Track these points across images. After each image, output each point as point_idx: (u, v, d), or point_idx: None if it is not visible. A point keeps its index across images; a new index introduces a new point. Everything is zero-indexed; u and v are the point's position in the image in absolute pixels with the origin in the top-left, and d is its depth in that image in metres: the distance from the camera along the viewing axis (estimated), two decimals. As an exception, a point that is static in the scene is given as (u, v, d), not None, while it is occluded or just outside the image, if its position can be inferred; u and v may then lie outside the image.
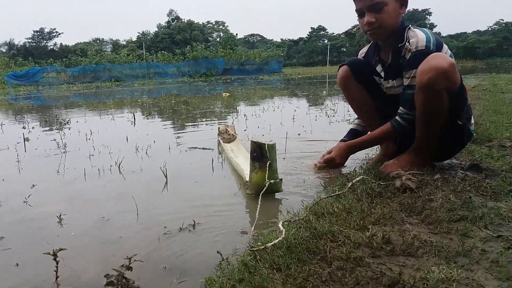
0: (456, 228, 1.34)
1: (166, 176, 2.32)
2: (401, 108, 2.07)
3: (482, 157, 2.31)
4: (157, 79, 27.81)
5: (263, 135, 3.69)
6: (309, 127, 4.08)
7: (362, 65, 2.30)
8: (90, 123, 5.23)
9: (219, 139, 3.40)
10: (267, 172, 1.89)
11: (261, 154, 1.89)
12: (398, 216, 1.46)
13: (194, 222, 1.63)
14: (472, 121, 2.16)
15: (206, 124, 4.66)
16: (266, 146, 1.88)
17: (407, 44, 1.98)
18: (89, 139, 3.89)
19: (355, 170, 2.21)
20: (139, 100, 9.21)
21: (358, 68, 2.29)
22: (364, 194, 1.72)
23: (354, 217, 1.43)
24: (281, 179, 1.97)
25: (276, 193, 1.97)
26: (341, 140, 2.47)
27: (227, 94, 9.74)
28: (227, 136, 3.37)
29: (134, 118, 5.37)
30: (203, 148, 3.20)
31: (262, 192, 1.81)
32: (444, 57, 1.84)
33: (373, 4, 1.97)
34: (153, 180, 2.35)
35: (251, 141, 1.93)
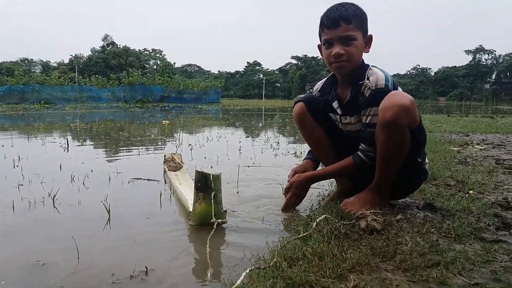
0: (434, 276, 1.28)
1: (108, 212, 2.09)
2: (362, 145, 2.05)
3: (434, 196, 2.34)
4: (90, 103, 26.66)
5: (211, 167, 3.54)
6: (257, 160, 3.99)
7: (317, 102, 2.26)
8: (18, 148, 4.76)
9: (165, 167, 3.26)
10: (213, 206, 1.85)
11: (206, 184, 1.86)
12: (373, 262, 1.38)
13: (147, 269, 1.43)
14: (427, 161, 2.19)
15: (148, 154, 4.41)
16: (211, 176, 1.85)
17: (366, 81, 1.97)
18: (17, 165, 3.50)
19: (314, 208, 2.13)
20: (71, 125, 8.66)
21: (314, 105, 2.25)
22: (330, 235, 1.63)
23: (328, 264, 1.33)
24: (226, 211, 1.95)
25: (228, 228, 1.88)
26: (305, 159, 2.45)
27: (167, 121, 9.47)
28: (174, 165, 3.25)
29: (68, 144, 4.97)
30: (148, 180, 2.98)
31: (210, 234, 1.75)
32: (404, 95, 1.86)
33: (345, 36, 1.95)
34: (94, 216, 2.10)
35: (196, 170, 1.89)
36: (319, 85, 2.34)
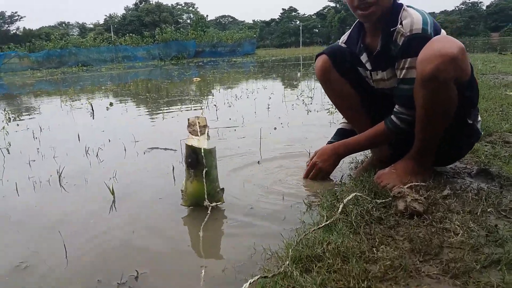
0: (494, 285, 0.97)
1: (112, 193, 1.89)
2: (396, 106, 1.69)
3: (489, 159, 1.97)
4: (126, 62, 26.77)
5: (235, 130, 3.27)
6: (286, 118, 3.67)
7: (344, 54, 1.88)
8: (43, 117, 4.69)
9: (189, 131, 2.96)
10: (205, 185, 1.60)
11: (197, 160, 1.62)
12: (411, 263, 1.09)
13: (137, 273, 1.21)
14: (479, 118, 1.80)
15: (172, 116, 4.19)
16: (202, 151, 1.61)
17: (399, 26, 1.58)
18: (36, 138, 3.38)
19: (343, 182, 1.83)
20: (103, 87, 8.59)
21: (340, 58, 1.88)
22: (360, 222, 1.34)
23: (353, 269, 1.05)
24: (223, 189, 1.72)
25: (242, 209, 1.61)
26: (328, 143, 2.08)
27: (198, 79, 9.21)
28: (198, 129, 2.95)
29: (93, 110, 4.84)
30: (165, 149, 2.76)
31: (204, 221, 1.52)
32: (449, 41, 1.46)
33: None
34: (98, 197, 1.91)
35: (186, 144, 1.66)
36: (345, 36, 1.95)
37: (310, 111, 4.04)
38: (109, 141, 3.09)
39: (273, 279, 1.05)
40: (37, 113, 5.09)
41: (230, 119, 3.76)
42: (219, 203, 1.68)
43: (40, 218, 1.73)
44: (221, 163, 2.28)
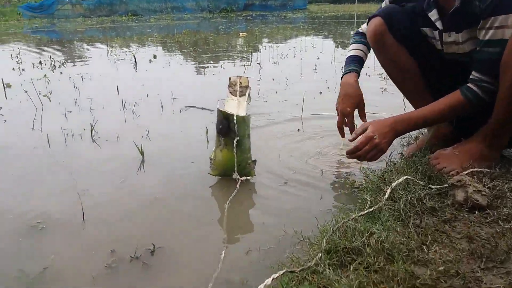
0: None
1: (142, 153, 1.80)
2: (475, 73, 1.40)
3: None
4: (175, 13, 26.59)
5: (276, 92, 3.08)
6: (333, 83, 3.43)
7: (402, 16, 1.60)
8: (87, 66, 4.69)
9: (229, 91, 2.81)
10: (235, 156, 1.47)
11: (228, 127, 1.47)
12: (469, 270, 0.91)
13: (154, 247, 1.11)
14: None
15: (214, 73, 4.04)
16: (234, 118, 1.45)
17: None
18: (77, 88, 3.36)
19: (392, 159, 1.62)
20: (149, 39, 8.53)
21: (398, 20, 1.60)
22: (409, 211, 1.16)
23: (398, 271, 0.89)
24: (255, 161, 1.57)
25: (274, 184, 1.50)
26: (347, 72, 1.76)
27: (245, 34, 8.92)
28: (239, 89, 2.75)
29: (136, 62, 4.78)
30: (202, 108, 2.63)
31: (230, 198, 1.39)
32: None
33: None
34: (127, 156, 1.82)
35: (218, 109, 1.51)
36: None
37: (361, 75, 3.74)
38: (147, 96, 3.01)
39: (301, 274, 0.91)
40: (82, 62, 5.10)
41: (273, 79, 3.56)
42: (249, 176, 1.54)
43: (65, 174, 1.67)
44: (256, 129, 2.14)
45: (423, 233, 1.06)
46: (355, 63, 1.77)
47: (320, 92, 3.03)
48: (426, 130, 1.87)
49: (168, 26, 13.75)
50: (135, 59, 4.86)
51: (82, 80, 3.69)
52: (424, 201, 1.21)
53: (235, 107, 2.53)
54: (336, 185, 1.48)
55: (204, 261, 1.07)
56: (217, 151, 1.52)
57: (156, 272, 1.03)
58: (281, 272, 0.88)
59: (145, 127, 2.17)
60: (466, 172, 1.28)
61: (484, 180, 1.31)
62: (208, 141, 1.99)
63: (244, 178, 1.49)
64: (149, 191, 1.49)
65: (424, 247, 0.99)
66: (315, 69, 4.09)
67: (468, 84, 1.41)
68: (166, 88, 3.19)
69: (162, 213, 1.33)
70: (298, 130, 2.16)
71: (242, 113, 1.54)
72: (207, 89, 3.30)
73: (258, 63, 4.48)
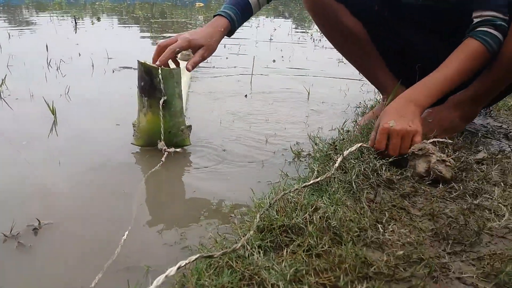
0: None
1: (53, 113, 1.50)
2: (486, 12, 1.10)
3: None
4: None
5: (227, 58, 2.83)
6: (288, 51, 3.22)
7: None
8: (21, 28, 4.19)
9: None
10: (161, 120, 1.16)
11: (152, 85, 1.15)
12: (434, 255, 0.72)
13: (39, 223, 0.85)
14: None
15: (160, 39, 3.70)
16: (159, 71, 1.13)
17: None
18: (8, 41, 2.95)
19: (345, 129, 1.43)
20: (97, 3, 7.93)
21: None
22: (362, 184, 0.97)
23: (347, 256, 0.68)
24: (190, 126, 1.28)
25: (209, 152, 1.24)
26: (219, 14, 1.27)
27: (201, 4, 8.52)
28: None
29: (76, 23, 4.33)
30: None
31: (155, 168, 1.11)
32: None
33: None
34: (38, 117, 1.52)
35: (138, 61, 1.18)
36: None
37: (317, 47, 3.56)
38: (79, 55, 2.66)
39: (223, 259, 0.69)
40: (17, 24, 4.57)
41: (224, 46, 3.29)
42: (182, 147, 1.25)
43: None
44: (197, 96, 1.89)
45: (378, 209, 0.87)
46: (236, 8, 1.27)
47: (274, 60, 2.81)
48: (381, 98, 1.69)
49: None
50: (75, 21, 4.41)
51: (9, 37, 3.25)
52: (379, 172, 1.02)
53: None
54: (281, 154, 1.27)
55: (101, 243, 0.83)
56: (140, 115, 1.21)
57: (33, 256, 0.77)
58: (194, 257, 0.66)
59: (68, 86, 1.86)
60: (430, 141, 1.09)
61: (447, 151, 1.14)
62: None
63: (172, 149, 1.19)
64: (54, 156, 1.21)
65: (379, 226, 0.80)
66: (270, 39, 3.85)
67: (480, 28, 1.10)
68: (102, 49, 2.84)
69: (65, 183, 1.07)
70: (245, 96, 1.92)
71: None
72: (150, 52, 2.97)
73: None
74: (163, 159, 1.15)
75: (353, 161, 1.05)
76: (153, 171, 1.10)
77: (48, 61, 2.36)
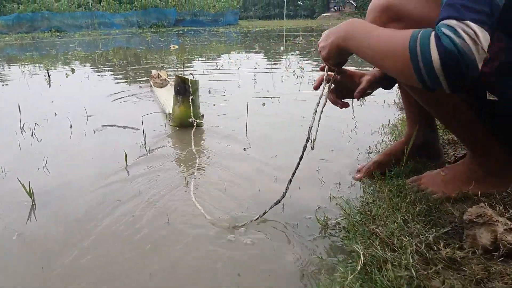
0: None
1: (31, 196, 1.29)
2: (446, 21, 0.79)
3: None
4: (102, 29, 25.43)
5: (214, 105, 2.67)
6: (274, 90, 3.09)
7: None
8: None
9: (151, 83, 3.27)
10: (191, 109, 2.04)
11: (184, 88, 2.04)
12: None
13: None
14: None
15: (140, 86, 3.54)
16: (189, 81, 2.02)
17: None
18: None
19: (340, 186, 1.25)
20: (70, 54, 7.77)
21: None
22: (419, 264, 0.79)
23: None
24: (203, 115, 2.17)
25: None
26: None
27: (176, 46, 8.45)
28: (159, 81, 3.14)
29: (49, 77, 4.14)
30: (124, 127, 2.15)
31: (193, 130, 1.46)
32: None
33: None
34: (13, 200, 1.31)
35: (175, 75, 2.09)
36: None
37: (301, 84, 3.45)
38: (55, 114, 2.46)
39: None
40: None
41: (209, 92, 3.14)
42: (199, 126, 2.07)
43: None
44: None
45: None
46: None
47: (263, 104, 2.66)
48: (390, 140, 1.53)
49: (94, 42, 12.91)
50: (48, 74, 4.21)
51: (-23, 99, 3.04)
52: (435, 247, 0.85)
53: (166, 90, 2.89)
54: (306, 225, 1.09)
55: None
56: (175, 107, 2.09)
57: None
58: None
59: (44, 156, 1.65)
60: (486, 207, 0.93)
61: (497, 208, 0.98)
62: (128, 172, 1.52)
63: (198, 121, 2.04)
64: (42, 249, 1.00)
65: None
66: (254, 79, 3.73)
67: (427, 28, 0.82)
68: (79, 105, 2.65)
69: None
70: (244, 149, 1.75)
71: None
72: (132, 105, 2.80)
73: (191, 73, 4.03)
74: (195, 124, 2.02)
75: (398, 234, 0.88)
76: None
77: (22, 126, 2.15)
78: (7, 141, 1.94)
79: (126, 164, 1.57)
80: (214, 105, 2.65)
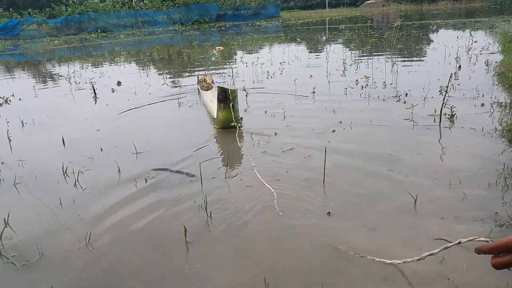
0: None
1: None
2: None
3: None
4: (146, 28, 25.76)
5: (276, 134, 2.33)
6: (347, 120, 2.72)
7: None
8: (36, 99, 3.85)
9: (198, 87, 3.63)
10: (232, 112, 2.37)
11: (225, 97, 2.38)
12: None
13: None
14: None
15: (190, 106, 3.25)
16: (229, 90, 2.36)
17: None
18: (11, 138, 2.54)
19: None
20: (115, 59, 7.68)
21: None
22: None
23: None
24: (242, 118, 2.49)
25: None
26: None
27: (221, 48, 8.17)
28: (205, 85, 3.54)
29: (95, 93, 3.96)
30: (178, 172, 1.85)
31: (237, 133, 2.29)
32: None
33: None
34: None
35: (218, 86, 2.45)
36: None
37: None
38: (101, 150, 2.21)
39: None
40: (32, 96, 4.23)
41: (265, 112, 2.80)
42: (240, 127, 2.39)
43: None
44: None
45: None
46: None
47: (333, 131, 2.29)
48: None
49: (139, 42, 12.94)
50: (94, 89, 4.03)
51: (23, 125, 2.86)
52: None
53: (211, 92, 3.24)
54: None
55: None
56: (218, 113, 2.43)
57: None
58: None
59: (88, 224, 1.38)
60: None
61: None
62: (188, 253, 1.21)
63: (238, 124, 2.37)
64: None
65: None
66: (313, 91, 3.35)
67: None
68: (127, 134, 2.40)
69: None
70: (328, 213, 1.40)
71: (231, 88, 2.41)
72: (183, 131, 2.51)
73: (245, 91, 3.65)
74: (237, 127, 2.38)
75: None
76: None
77: (65, 170, 1.91)
78: (46, 196, 1.69)
79: (186, 242, 1.26)
80: (275, 134, 2.31)
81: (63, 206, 1.59)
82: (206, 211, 1.44)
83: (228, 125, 2.38)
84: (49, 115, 3.24)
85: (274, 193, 1.54)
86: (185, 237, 1.28)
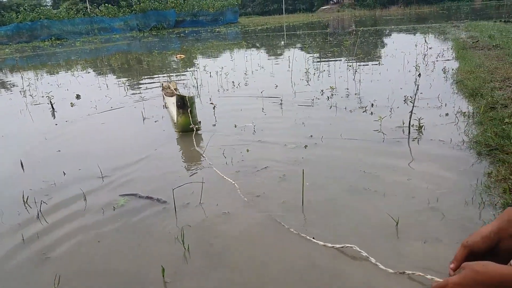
0: None
1: None
2: None
3: None
4: (102, 35, 25.09)
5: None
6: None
7: None
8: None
9: (163, 93, 3.88)
10: (190, 117, 2.67)
11: (183, 103, 2.67)
12: None
13: None
14: None
15: (155, 121, 3.15)
16: (187, 97, 2.66)
17: None
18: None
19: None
20: (72, 69, 7.38)
21: None
22: None
23: None
24: (200, 122, 2.78)
25: None
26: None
27: (182, 56, 8.05)
28: (170, 91, 3.73)
29: (53, 108, 3.77)
30: (147, 197, 1.76)
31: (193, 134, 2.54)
32: None
33: None
34: None
35: (176, 94, 2.76)
36: None
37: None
38: (64, 174, 2.08)
39: None
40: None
41: (235, 126, 2.75)
42: (198, 130, 2.71)
43: None
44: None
45: None
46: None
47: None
48: None
49: (96, 50, 12.54)
50: (51, 104, 3.84)
51: (-27, 148, 2.67)
52: None
53: (174, 98, 2.99)
54: None
55: None
56: (178, 118, 2.72)
57: None
58: None
59: (54, 265, 1.27)
60: None
61: None
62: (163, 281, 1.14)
63: (196, 126, 2.69)
64: None
65: None
66: (280, 106, 3.34)
67: None
68: (91, 155, 2.28)
69: None
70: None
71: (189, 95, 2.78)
72: (149, 147, 2.42)
73: (211, 103, 3.59)
74: (194, 130, 2.67)
75: None
76: None
77: (25, 200, 1.78)
78: (9, 229, 1.56)
79: (164, 282, 1.19)
80: (247, 150, 2.26)
81: (25, 243, 1.47)
82: (183, 244, 1.37)
83: (187, 128, 2.66)
84: (4, 134, 3.05)
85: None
86: (163, 277, 1.21)
